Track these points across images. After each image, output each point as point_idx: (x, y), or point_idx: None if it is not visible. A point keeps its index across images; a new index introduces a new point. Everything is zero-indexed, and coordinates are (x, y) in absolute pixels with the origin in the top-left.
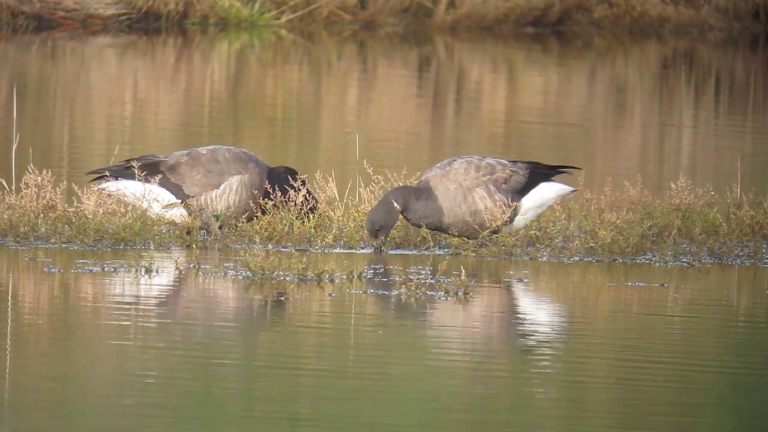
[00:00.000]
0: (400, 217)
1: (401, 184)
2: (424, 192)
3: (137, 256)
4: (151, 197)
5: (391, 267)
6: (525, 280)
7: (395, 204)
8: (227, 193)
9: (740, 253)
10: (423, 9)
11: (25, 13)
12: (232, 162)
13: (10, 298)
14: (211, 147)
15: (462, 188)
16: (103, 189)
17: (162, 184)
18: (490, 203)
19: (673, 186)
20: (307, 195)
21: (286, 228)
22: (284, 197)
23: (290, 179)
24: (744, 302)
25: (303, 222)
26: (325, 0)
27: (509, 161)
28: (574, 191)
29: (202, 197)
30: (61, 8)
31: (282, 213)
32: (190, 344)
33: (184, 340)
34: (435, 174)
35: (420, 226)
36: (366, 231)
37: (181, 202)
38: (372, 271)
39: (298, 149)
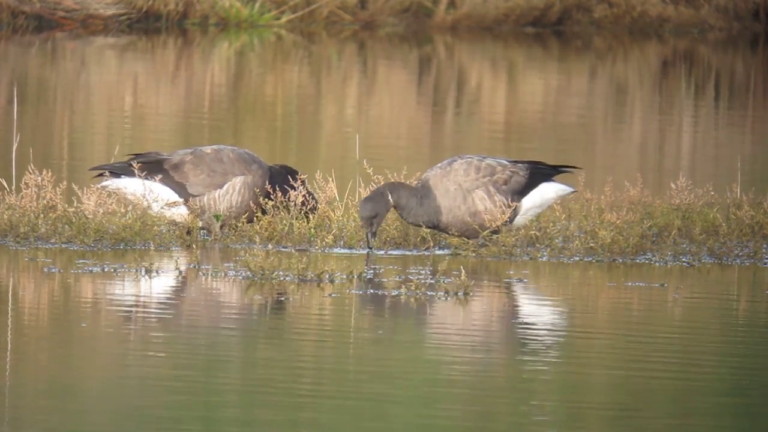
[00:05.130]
0: (397, 216)
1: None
2: (421, 191)
3: (137, 257)
4: (153, 195)
5: (391, 267)
6: (525, 280)
7: (389, 196)
8: (230, 193)
9: (740, 253)
10: (423, 9)
11: (25, 13)
12: (235, 162)
13: (10, 298)
14: (215, 147)
15: (462, 189)
16: (105, 187)
17: (165, 182)
18: (489, 204)
19: (673, 186)
20: (307, 195)
21: (286, 228)
22: (285, 197)
23: (290, 179)
24: (744, 302)
25: (305, 221)
26: (325, 0)
27: (509, 161)
28: (574, 192)
29: (205, 197)
30: (61, 8)
31: (282, 213)
32: (190, 344)
33: (184, 341)
34: (435, 174)
35: (419, 226)
36: (360, 218)
37: (184, 201)
38: (372, 271)
39: (298, 149)
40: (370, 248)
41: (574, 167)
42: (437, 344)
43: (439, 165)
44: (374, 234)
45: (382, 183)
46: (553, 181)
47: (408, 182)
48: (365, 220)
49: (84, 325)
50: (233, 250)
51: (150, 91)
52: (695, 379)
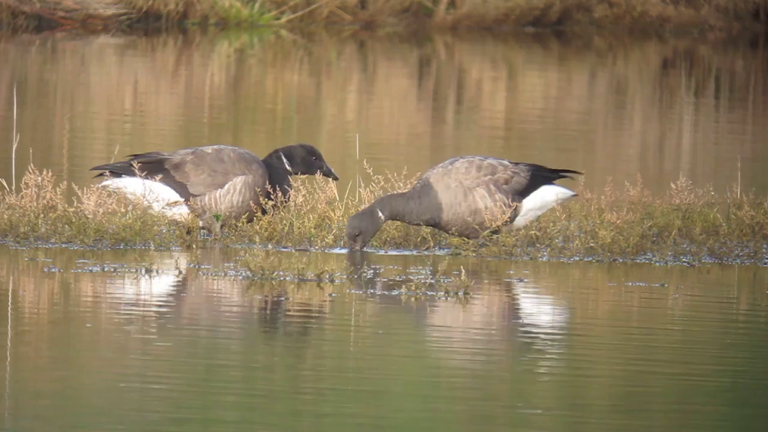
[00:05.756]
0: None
1: (389, 193)
2: (420, 190)
3: (137, 256)
4: (154, 195)
5: (391, 267)
6: (525, 280)
7: (379, 213)
8: (231, 193)
9: (740, 253)
10: (423, 9)
11: (25, 13)
12: (236, 162)
13: (10, 298)
14: (215, 146)
15: (463, 187)
16: (106, 186)
17: (166, 182)
18: (490, 203)
19: (673, 186)
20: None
21: (286, 228)
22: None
23: (290, 179)
24: (744, 302)
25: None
26: (325, 0)
27: (511, 162)
28: (574, 196)
29: (206, 197)
30: (61, 8)
31: (282, 213)
32: (190, 344)
33: (184, 341)
34: (436, 172)
35: (419, 225)
36: (345, 234)
37: (185, 201)
38: (372, 271)
39: None
40: (355, 257)
41: (575, 172)
42: (437, 344)
43: (441, 164)
44: (360, 248)
45: (375, 198)
46: (554, 184)
47: (409, 181)
48: (348, 237)
49: (89, 325)
50: (233, 250)
51: (150, 91)
52: (695, 379)
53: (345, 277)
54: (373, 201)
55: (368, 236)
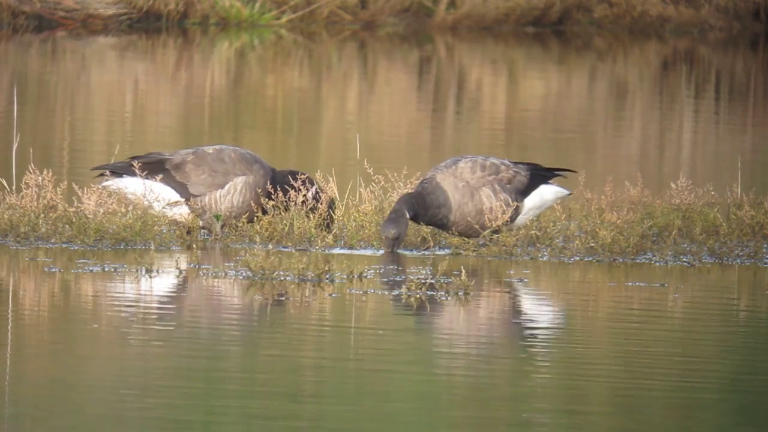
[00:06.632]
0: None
1: (403, 192)
2: (430, 192)
3: (138, 256)
4: (154, 195)
5: (392, 267)
6: (525, 279)
7: (407, 214)
8: (231, 193)
9: (740, 253)
10: (423, 9)
11: (26, 13)
12: (237, 162)
13: (10, 298)
14: (217, 146)
15: (469, 186)
16: (107, 186)
17: (166, 182)
18: (495, 202)
19: (673, 186)
20: (308, 194)
21: (287, 228)
22: (286, 198)
23: (292, 180)
24: (744, 302)
25: (312, 218)
26: (326, 0)
27: (512, 162)
28: (570, 194)
29: (206, 197)
30: (62, 8)
31: (283, 213)
32: (191, 344)
33: (184, 341)
34: (442, 172)
35: (419, 224)
36: (385, 239)
37: (185, 201)
38: (372, 271)
39: (298, 149)
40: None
41: (569, 170)
42: (437, 344)
43: (444, 164)
44: (395, 252)
45: (397, 199)
46: (551, 183)
47: (411, 181)
48: (389, 242)
49: (95, 326)
50: (233, 250)
51: (150, 91)
52: (695, 379)
53: (345, 276)
54: (396, 203)
55: (403, 238)
